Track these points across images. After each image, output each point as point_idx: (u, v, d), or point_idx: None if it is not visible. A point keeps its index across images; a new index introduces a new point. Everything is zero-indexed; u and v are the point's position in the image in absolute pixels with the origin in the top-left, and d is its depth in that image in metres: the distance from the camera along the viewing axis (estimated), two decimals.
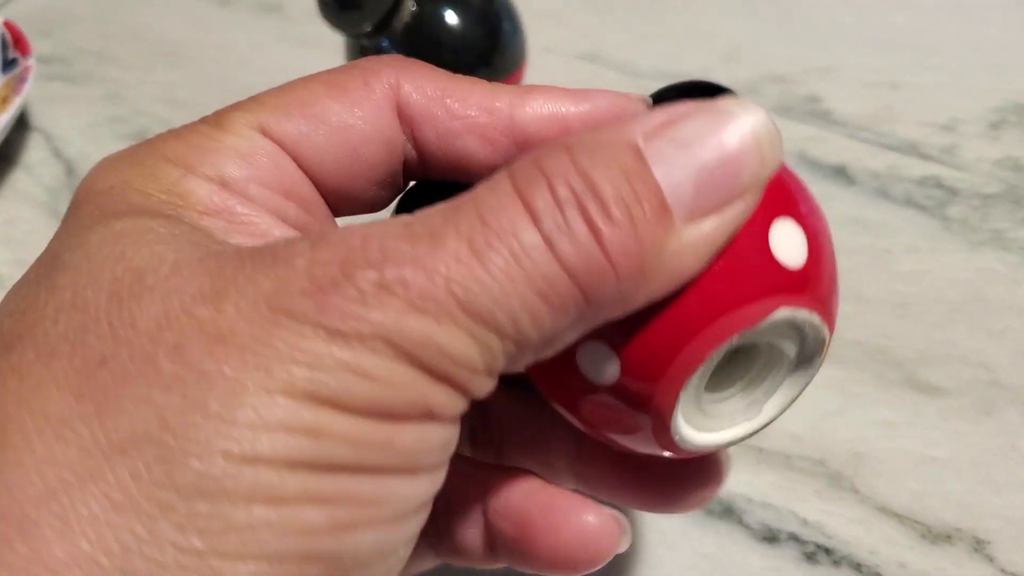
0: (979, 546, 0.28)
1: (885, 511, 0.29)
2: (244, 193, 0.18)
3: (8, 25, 0.42)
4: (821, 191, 0.37)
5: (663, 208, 0.15)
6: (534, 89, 0.20)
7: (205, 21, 0.51)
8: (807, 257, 0.17)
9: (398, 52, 0.37)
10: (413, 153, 0.20)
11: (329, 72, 0.21)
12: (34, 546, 0.13)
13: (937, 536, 0.28)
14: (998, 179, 0.38)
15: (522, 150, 0.19)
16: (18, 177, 0.42)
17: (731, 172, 0.16)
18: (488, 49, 0.38)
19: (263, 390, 0.14)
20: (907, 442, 0.30)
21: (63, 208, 0.40)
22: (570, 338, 0.16)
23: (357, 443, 0.14)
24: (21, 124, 0.44)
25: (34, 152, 0.43)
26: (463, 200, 0.15)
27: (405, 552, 0.16)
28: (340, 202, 0.20)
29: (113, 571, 0.13)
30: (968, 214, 0.37)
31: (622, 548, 0.20)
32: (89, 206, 0.18)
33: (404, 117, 0.20)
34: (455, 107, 0.20)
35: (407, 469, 0.15)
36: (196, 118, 0.19)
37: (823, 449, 0.30)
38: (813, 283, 0.17)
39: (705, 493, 0.22)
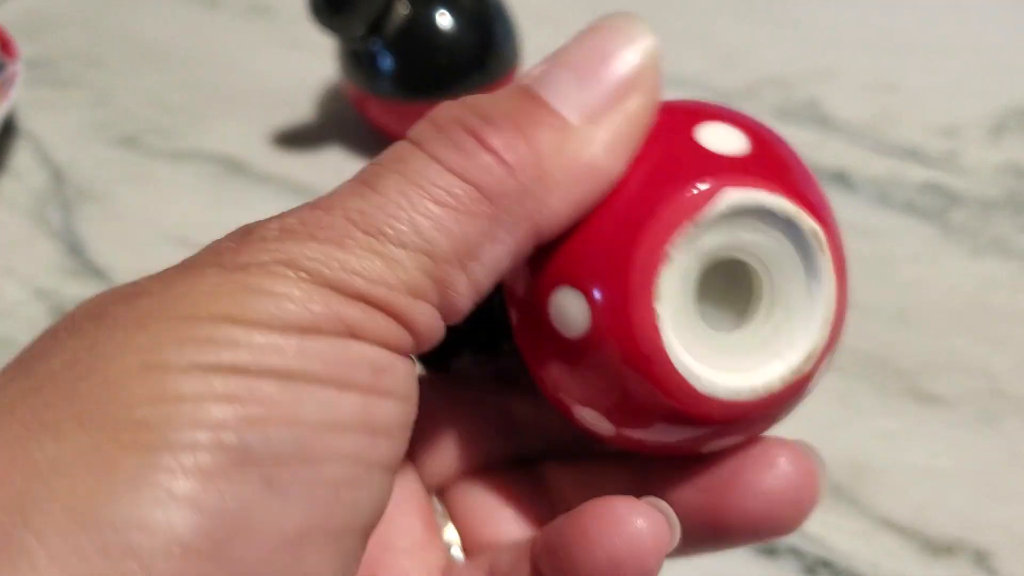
0: (982, 559, 0.27)
1: (887, 523, 0.28)
2: None
3: None
4: None
5: (548, 111, 0.16)
6: None
7: (193, 23, 0.50)
8: (751, 147, 0.17)
9: (390, 55, 0.36)
10: None
11: None
12: None
13: (939, 549, 0.27)
14: (999, 185, 0.38)
15: None
16: (4, 183, 0.41)
17: (611, 67, 0.17)
18: (481, 52, 0.38)
19: (167, 319, 0.15)
20: (909, 453, 0.29)
21: (50, 215, 0.40)
22: (500, 251, 0.16)
23: (260, 349, 0.15)
24: (8, 129, 0.43)
25: (21, 157, 0.43)
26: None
27: (358, 476, 0.16)
28: None
29: None
30: (969, 221, 0.36)
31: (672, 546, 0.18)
32: None
33: None
34: None
35: (328, 380, 0.15)
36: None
37: (824, 460, 0.29)
38: (764, 167, 0.16)
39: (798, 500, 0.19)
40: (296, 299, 0.15)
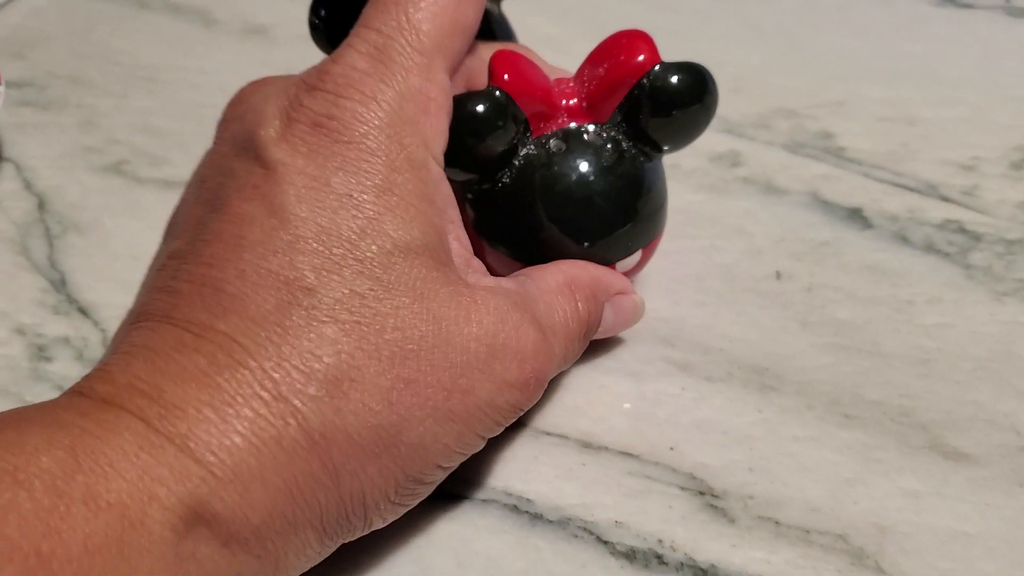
0: None
1: None
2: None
3: None
4: (836, 235, 0.35)
5: None
6: None
7: (185, 44, 0.48)
8: None
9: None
10: None
11: None
12: None
13: None
14: (1022, 223, 0.36)
15: None
16: None
17: None
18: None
19: None
20: (934, 515, 0.28)
21: (33, 244, 0.38)
22: None
23: None
24: None
25: (4, 184, 0.41)
26: None
27: None
28: None
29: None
30: (992, 261, 0.35)
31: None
32: None
33: None
34: None
35: None
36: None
37: (844, 522, 0.28)
38: None
39: None
40: None
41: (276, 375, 0.22)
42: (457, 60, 0.28)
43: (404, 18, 0.26)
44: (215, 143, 0.27)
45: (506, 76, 0.29)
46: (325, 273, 0.23)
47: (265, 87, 0.27)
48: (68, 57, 0.46)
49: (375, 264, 0.24)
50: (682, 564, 0.27)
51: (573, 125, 0.30)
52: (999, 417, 0.30)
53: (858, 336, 0.33)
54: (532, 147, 0.30)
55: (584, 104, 0.30)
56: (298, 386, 0.22)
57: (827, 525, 0.28)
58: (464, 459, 0.26)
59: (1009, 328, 0.33)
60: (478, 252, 0.32)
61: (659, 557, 0.27)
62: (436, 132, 0.26)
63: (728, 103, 0.41)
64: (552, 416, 0.30)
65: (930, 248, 0.36)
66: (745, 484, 0.29)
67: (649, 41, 0.29)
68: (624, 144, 0.30)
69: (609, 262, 0.31)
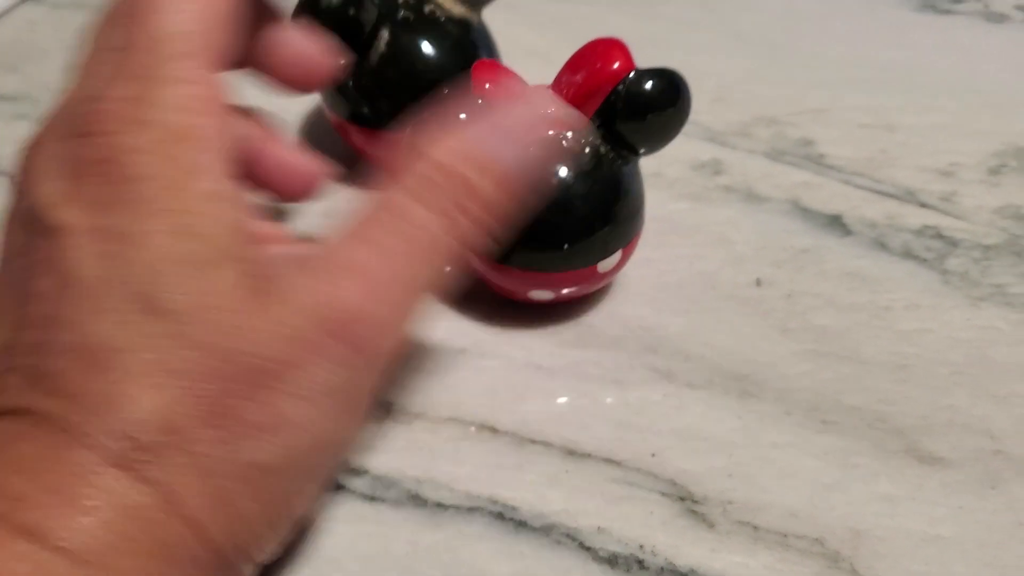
0: None
1: None
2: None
3: None
4: (816, 243, 0.36)
5: None
6: None
7: None
8: None
9: (371, 82, 0.36)
10: None
11: None
12: None
13: None
14: (999, 228, 0.37)
15: None
16: None
17: None
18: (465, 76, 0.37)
19: None
20: (909, 519, 0.28)
21: None
22: None
23: None
24: None
25: None
26: None
27: None
28: None
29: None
30: (968, 267, 0.36)
31: None
32: None
33: None
34: None
35: None
36: None
37: (821, 527, 0.28)
38: None
39: None
40: None
41: (111, 444, 0.22)
42: (221, 51, 0.26)
43: (146, 30, 0.25)
44: (8, 224, 0.25)
45: (487, 85, 0.30)
46: (129, 329, 0.22)
47: (41, 152, 0.25)
48: (62, 70, 0.46)
49: (172, 305, 0.23)
50: (662, 569, 0.27)
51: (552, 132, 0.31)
52: (974, 421, 0.31)
53: (837, 342, 0.33)
54: None
55: None
56: (134, 449, 0.22)
57: (804, 529, 0.28)
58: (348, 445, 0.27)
59: (984, 333, 0.34)
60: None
61: (640, 562, 0.28)
62: (215, 132, 0.24)
63: (710, 112, 0.42)
64: (536, 423, 0.31)
65: (908, 254, 0.36)
66: (725, 490, 0.29)
67: (624, 49, 0.30)
68: (602, 148, 0.31)
69: (590, 263, 0.32)
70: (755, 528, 0.28)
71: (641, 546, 0.28)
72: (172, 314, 0.23)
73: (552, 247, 0.31)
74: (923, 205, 0.38)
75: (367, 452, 0.30)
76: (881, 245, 0.37)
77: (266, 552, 0.25)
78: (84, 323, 0.23)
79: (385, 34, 0.36)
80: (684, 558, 0.28)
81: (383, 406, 0.32)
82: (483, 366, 0.33)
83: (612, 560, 0.28)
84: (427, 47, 0.36)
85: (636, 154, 0.31)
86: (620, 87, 0.30)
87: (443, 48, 0.36)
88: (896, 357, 0.33)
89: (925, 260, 0.36)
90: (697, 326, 0.34)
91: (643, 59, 0.30)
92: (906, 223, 0.38)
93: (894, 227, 0.37)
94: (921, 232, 0.37)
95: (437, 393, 0.32)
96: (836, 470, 0.30)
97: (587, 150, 0.31)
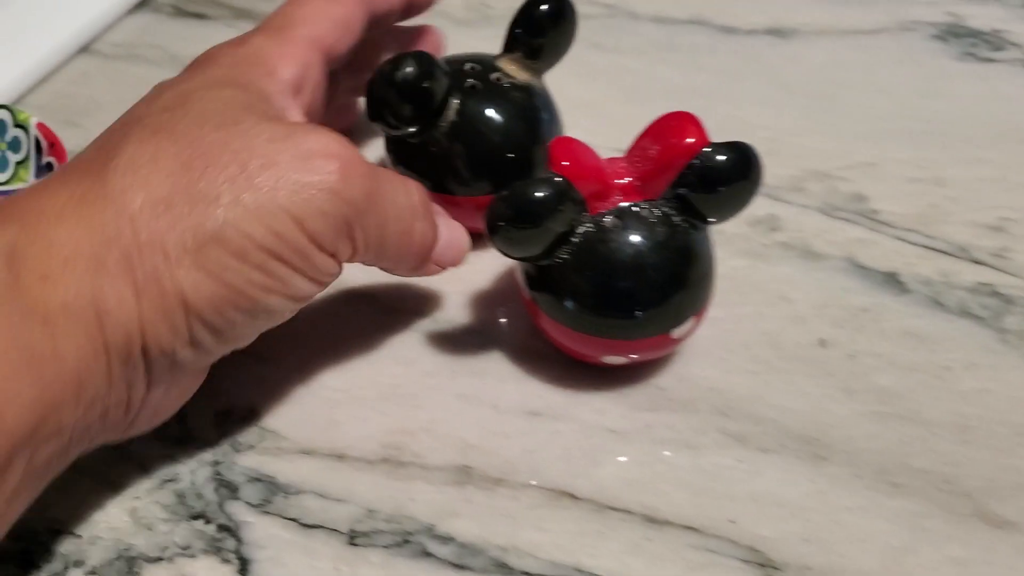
0: None
1: None
2: (298, 91, 0.33)
3: (42, 127, 0.41)
4: (874, 301, 0.37)
5: None
6: None
7: None
8: None
9: (440, 148, 0.37)
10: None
11: None
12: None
13: None
14: None
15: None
16: None
17: None
18: (529, 142, 0.38)
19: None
20: None
21: None
22: None
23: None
24: None
25: None
26: None
27: None
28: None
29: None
30: None
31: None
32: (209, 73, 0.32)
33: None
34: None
35: None
36: None
37: None
38: None
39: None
40: None
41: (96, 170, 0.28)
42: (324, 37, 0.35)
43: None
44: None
45: (564, 162, 0.31)
46: (166, 115, 0.29)
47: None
48: None
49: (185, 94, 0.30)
50: None
51: (627, 204, 0.32)
52: None
53: (900, 403, 0.34)
54: (589, 225, 0.32)
55: (636, 182, 0.33)
56: (109, 173, 0.27)
57: None
58: (288, 259, 0.28)
59: None
60: (535, 320, 0.34)
61: None
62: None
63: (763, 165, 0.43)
64: (614, 489, 0.32)
65: (964, 312, 0.37)
66: (803, 555, 0.30)
67: (697, 123, 0.31)
68: (675, 218, 0.32)
69: (664, 330, 0.32)
70: None
71: None
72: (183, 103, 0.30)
73: (626, 315, 0.32)
74: (976, 262, 0.39)
75: (451, 518, 0.31)
76: (937, 303, 0.38)
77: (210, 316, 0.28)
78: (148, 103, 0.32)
79: (455, 103, 0.37)
80: None
81: (462, 470, 0.32)
82: (558, 429, 0.34)
83: None
84: (493, 114, 0.37)
85: (707, 223, 0.32)
86: (695, 161, 0.31)
87: (509, 114, 0.38)
88: (958, 418, 0.34)
89: (982, 318, 0.37)
90: (765, 387, 0.35)
91: (691, 111, 0.31)
92: (961, 280, 0.38)
93: (949, 284, 0.38)
94: (976, 289, 0.38)
95: (515, 457, 0.33)
96: (907, 533, 0.31)
97: (659, 221, 0.32)
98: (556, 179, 0.31)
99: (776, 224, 0.41)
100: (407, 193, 0.32)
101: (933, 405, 0.34)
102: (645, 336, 0.33)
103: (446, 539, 0.31)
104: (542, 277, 0.33)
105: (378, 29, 0.38)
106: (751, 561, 0.30)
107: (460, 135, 0.37)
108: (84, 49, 0.53)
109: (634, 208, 0.32)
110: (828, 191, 0.42)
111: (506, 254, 0.32)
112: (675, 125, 0.32)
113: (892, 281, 0.39)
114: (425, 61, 0.35)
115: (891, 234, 0.41)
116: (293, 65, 0.33)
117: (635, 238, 0.32)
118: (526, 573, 0.30)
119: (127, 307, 0.26)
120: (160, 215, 0.27)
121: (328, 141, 0.29)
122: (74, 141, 0.45)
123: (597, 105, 0.47)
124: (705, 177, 0.31)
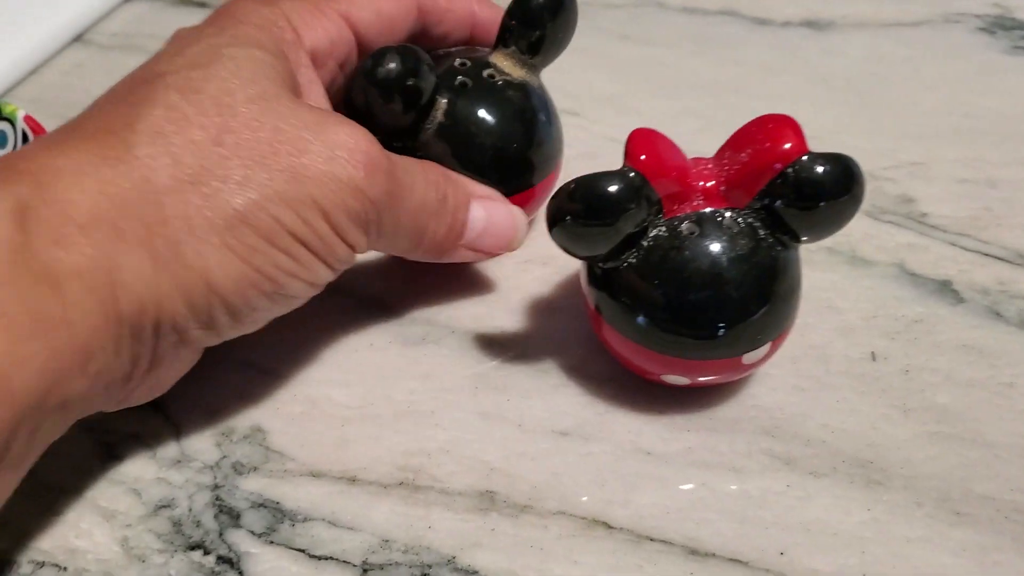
0: None
1: None
2: (320, 64, 0.33)
3: (30, 120, 0.39)
4: (928, 311, 0.34)
5: None
6: (485, 1, 0.36)
7: None
8: None
9: (426, 153, 0.34)
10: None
11: None
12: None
13: None
14: None
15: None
16: None
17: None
18: (524, 146, 0.35)
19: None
20: None
21: None
22: None
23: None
24: None
25: None
26: None
27: None
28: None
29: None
30: None
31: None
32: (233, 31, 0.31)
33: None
34: (444, 4, 0.35)
35: None
36: None
37: None
38: None
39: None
40: None
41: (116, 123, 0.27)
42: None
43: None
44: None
45: (642, 156, 0.28)
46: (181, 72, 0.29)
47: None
48: None
49: (215, 54, 0.29)
50: None
51: (708, 209, 0.29)
52: None
53: (960, 423, 0.31)
54: (663, 228, 0.29)
55: (721, 188, 0.29)
56: (134, 136, 0.27)
57: None
58: (313, 246, 0.28)
59: None
60: (597, 330, 0.31)
61: None
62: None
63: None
64: (652, 518, 0.29)
65: None
66: None
67: (797, 128, 0.28)
68: (761, 232, 0.29)
69: (736, 354, 0.30)
70: None
71: None
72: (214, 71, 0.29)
73: (693, 332, 0.29)
74: None
75: (473, 549, 0.29)
76: (996, 314, 0.35)
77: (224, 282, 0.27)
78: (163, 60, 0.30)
79: (443, 102, 0.34)
80: None
81: (485, 495, 0.30)
82: (589, 451, 0.31)
83: None
84: (485, 114, 0.34)
85: (798, 241, 0.29)
86: (789, 170, 0.28)
87: (502, 115, 0.34)
88: None
89: None
90: (814, 405, 0.32)
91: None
92: (1020, 289, 0.36)
93: (1008, 294, 0.35)
94: None
95: (543, 482, 0.30)
96: (976, 568, 0.28)
97: (744, 232, 0.29)
98: (631, 174, 0.28)
99: None
100: (426, 190, 0.31)
101: (996, 425, 0.31)
102: (713, 358, 0.30)
103: (469, 572, 0.28)
104: (607, 281, 0.30)
105: (429, 43, 0.36)
106: None
107: (448, 138, 0.34)
108: (78, 39, 0.51)
109: (716, 215, 0.29)
110: (874, 193, 0.40)
111: (567, 251, 0.29)
112: (771, 128, 0.28)
113: (946, 289, 0.36)
114: (410, 56, 0.32)
115: (943, 239, 0.38)
116: (322, 36, 0.32)
117: (713, 248, 0.29)
118: None
119: (145, 279, 0.25)
120: (188, 190, 0.26)
121: (357, 137, 0.29)
122: None
123: (625, 99, 0.44)
124: (800, 189, 0.28)
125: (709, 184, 0.29)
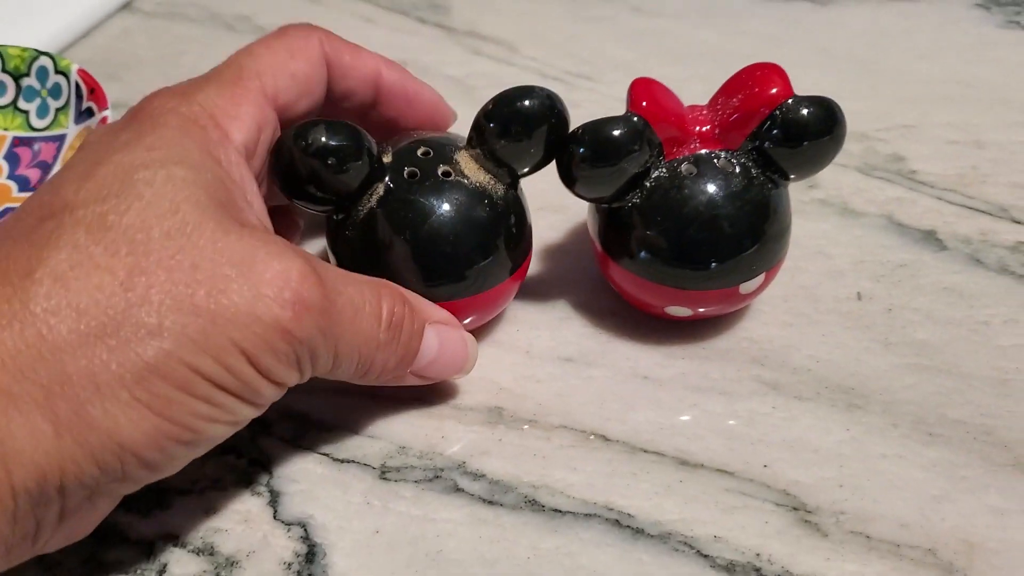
0: None
1: None
2: (251, 155, 0.29)
3: (83, 74, 0.41)
4: (912, 258, 0.37)
5: None
6: (394, 65, 0.34)
7: None
8: None
9: (352, 234, 0.31)
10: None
11: (282, 38, 0.32)
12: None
13: None
14: None
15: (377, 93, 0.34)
16: None
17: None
18: (458, 255, 0.31)
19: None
20: (1021, 532, 0.29)
21: None
22: None
23: None
24: None
25: None
26: None
27: None
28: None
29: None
30: None
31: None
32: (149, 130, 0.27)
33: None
34: (349, 60, 0.33)
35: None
36: None
37: (933, 538, 0.29)
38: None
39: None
40: None
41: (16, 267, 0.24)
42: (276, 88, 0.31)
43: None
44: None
45: (644, 103, 0.31)
46: (85, 193, 0.26)
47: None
48: (161, 78, 0.48)
49: (130, 176, 0.26)
50: None
51: (704, 151, 0.32)
52: None
53: (938, 357, 0.34)
54: (664, 170, 0.32)
55: (716, 131, 0.32)
56: (31, 285, 0.24)
57: (917, 540, 0.29)
58: (234, 390, 0.26)
59: None
60: (604, 269, 0.34)
61: (758, 570, 0.28)
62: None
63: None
64: (647, 433, 0.32)
65: (1004, 270, 0.37)
66: (836, 500, 0.30)
67: (783, 74, 0.31)
68: (753, 171, 0.31)
69: (733, 283, 0.32)
70: (868, 538, 0.29)
71: (758, 554, 0.29)
72: (125, 194, 0.26)
73: (694, 265, 0.32)
74: (1016, 221, 0.39)
75: (482, 456, 0.31)
76: (976, 261, 0.37)
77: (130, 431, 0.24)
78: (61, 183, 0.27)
79: (380, 187, 0.31)
80: (800, 566, 0.28)
81: (494, 411, 0.32)
82: (591, 375, 0.34)
83: (730, 568, 0.28)
84: (418, 211, 0.31)
85: (787, 179, 0.32)
86: (776, 112, 0.30)
87: (440, 217, 0.31)
88: (997, 372, 0.33)
89: (1021, 276, 0.36)
90: (801, 339, 0.34)
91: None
92: (1000, 239, 0.38)
93: (989, 243, 0.38)
94: (1016, 248, 0.38)
95: (547, 401, 0.33)
96: (945, 482, 0.30)
97: (737, 171, 0.31)
98: (634, 119, 0.30)
99: (814, 182, 0.41)
100: (371, 323, 0.28)
101: (971, 359, 0.34)
102: (712, 288, 0.32)
103: (477, 475, 0.31)
104: (612, 221, 0.33)
105: (348, 103, 0.34)
106: (784, 505, 0.30)
107: (376, 226, 0.31)
108: (126, 6, 0.54)
109: (712, 156, 0.32)
110: (866, 151, 0.42)
111: (576, 193, 0.32)
112: (759, 75, 0.31)
113: (930, 239, 0.38)
114: (340, 131, 0.29)
115: (930, 194, 0.40)
116: (247, 126, 0.29)
117: (710, 187, 0.31)
118: (557, 510, 0.30)
119: (44, 447, 0.23)
120: (92, 344, 0.23)
121: (288, 271, 0.26)
122: (115, 95, 0.45)
123: (637, 66, 0.47)
124: (786, 130, 0.30)
125: (705, 128, 0.32)
